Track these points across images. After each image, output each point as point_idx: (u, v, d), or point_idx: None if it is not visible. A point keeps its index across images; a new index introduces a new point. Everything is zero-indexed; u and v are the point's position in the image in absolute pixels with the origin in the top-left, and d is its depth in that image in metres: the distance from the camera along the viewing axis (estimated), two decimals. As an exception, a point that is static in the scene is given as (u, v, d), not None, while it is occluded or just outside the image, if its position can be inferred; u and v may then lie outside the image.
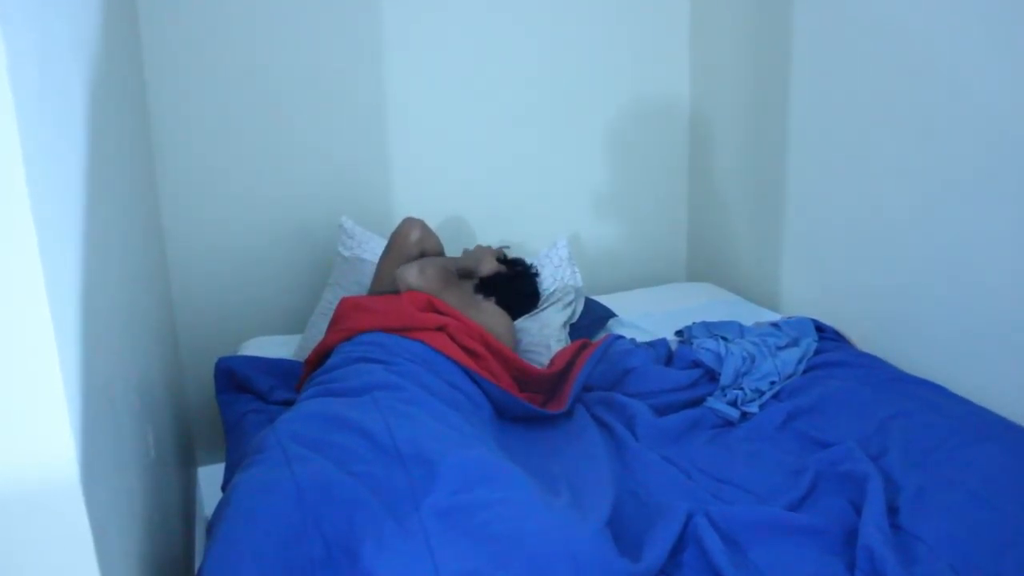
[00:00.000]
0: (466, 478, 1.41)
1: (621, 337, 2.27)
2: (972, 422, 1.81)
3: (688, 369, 2.09)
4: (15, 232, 0.82)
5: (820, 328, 2.31)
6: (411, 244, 2.30)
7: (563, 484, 1.56)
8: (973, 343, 1.99)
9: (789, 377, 2.07)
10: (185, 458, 2.32)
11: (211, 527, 1.36)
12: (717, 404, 1.97)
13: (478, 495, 1.38)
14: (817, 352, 2.19)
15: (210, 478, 2.51)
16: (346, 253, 2.51)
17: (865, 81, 2.19)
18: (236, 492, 1.36)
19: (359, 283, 2.43)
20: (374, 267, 2.42)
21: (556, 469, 1.68)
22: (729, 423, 1.94)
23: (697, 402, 2.01)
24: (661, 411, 1.96)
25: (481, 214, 2.79)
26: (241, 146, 2.50)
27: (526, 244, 2.79)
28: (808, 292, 2.47)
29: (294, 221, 2.59)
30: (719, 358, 2.08)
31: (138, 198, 1.89)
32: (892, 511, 1.53)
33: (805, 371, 2.11)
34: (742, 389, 2.01)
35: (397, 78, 2.59)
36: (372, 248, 2.51)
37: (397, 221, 2.62)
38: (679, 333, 2.35)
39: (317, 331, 2.29)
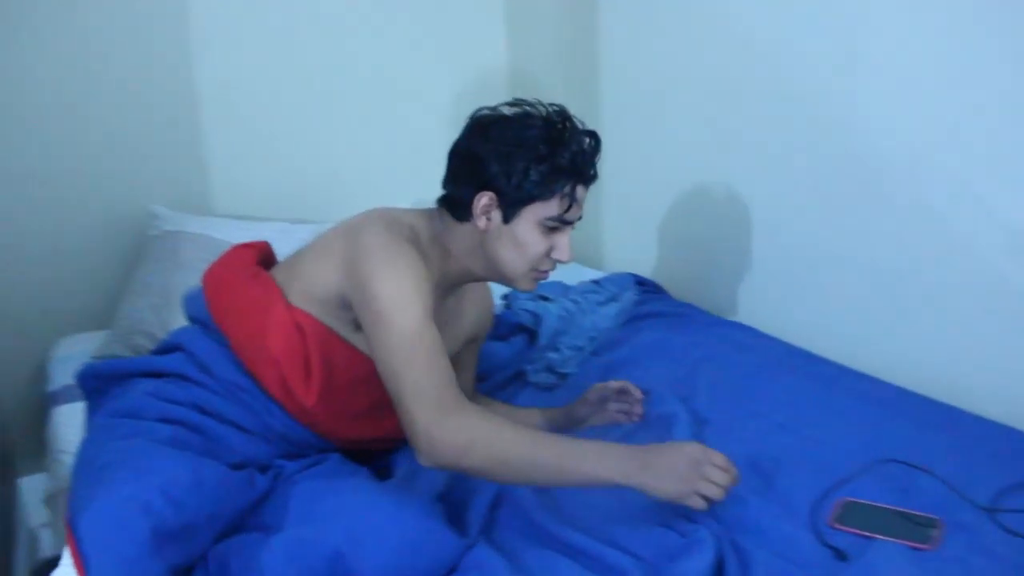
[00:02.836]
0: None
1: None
2: (777, 358, 1.91)
3: (512, 335, 2.09)
4: None
5: (641, 282, 2.35)
6: None
7: (403, 461, 1.53)
8: (778, 287, 2.11)
9: (608, 331, 2.10)
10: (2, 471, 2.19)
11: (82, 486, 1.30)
12: (535, 378, 1.95)
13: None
14: (637, 305, 2.24)
15: (33, 489, 2.38)
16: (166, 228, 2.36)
17: (676, 44, 2.27)
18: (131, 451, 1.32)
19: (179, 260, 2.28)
20: (201, 240, 2.30)
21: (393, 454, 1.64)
22: (550, 388, 1.93)
23: (522, 375, 1.98)
24: (490, 392, 1.91)
25: (311, 188, 2.71)
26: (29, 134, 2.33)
27: (362, 207, 2.71)
28: (629, 249, 2.54)
29: (100, 211, 2.46)
30: (537, 318, 2.10)
31: None
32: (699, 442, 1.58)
33: (624, 324, 2.15)
34: (558, 350, 2.01)
35: (206, 53, 2.49)
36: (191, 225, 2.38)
37: (218, 203, 2.55)
38: (504, 297, 2.38)
39: (136, 315, 2.18)
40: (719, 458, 1.28)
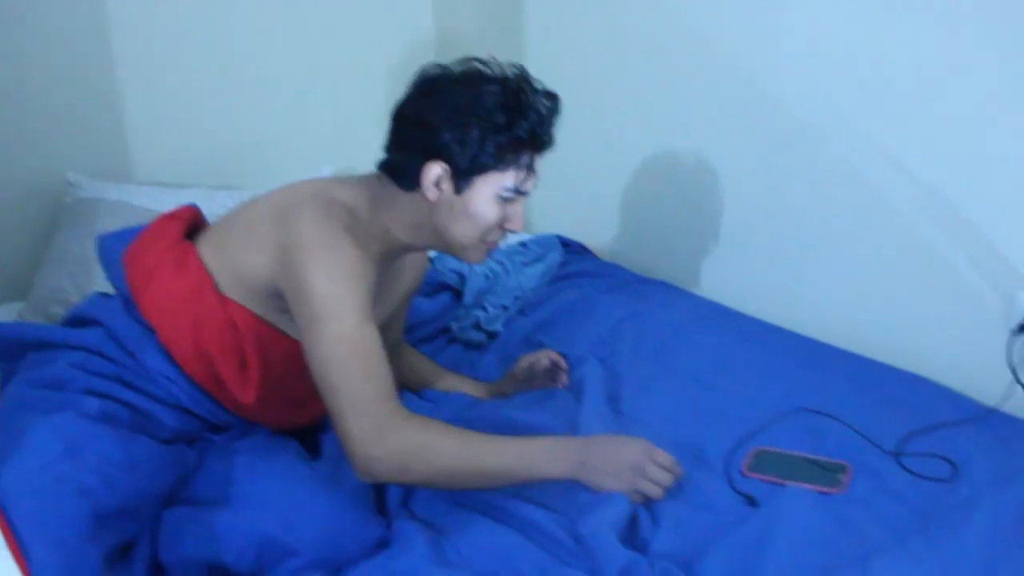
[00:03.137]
0: None
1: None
2: (699, 315, 1.94)
3: (436, 293, 2.08)
4: None
5: (566, 243, 2.36)
6: None
7: (330, 446, 1.48)
8: (700, 246, 2.13)
9: (533, 290, 2.11)
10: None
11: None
12: (463, 334, 1.95)
13: None
14: (562, 265, 2.26)
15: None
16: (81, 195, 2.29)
17: (603, 7, 2.27)
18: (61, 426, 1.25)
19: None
20: (120, 207, 2.22)
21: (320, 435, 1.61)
22: (478, 345, 1.95)
23: (448, 330, 2.00)
24: (415, 345, 1.92)
25: (233, 154, 2.62)
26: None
27: (285, 174, 2.68)
28: (556, 211, 2.55)
29: (14, 179, 2.34)
30: (462, 278, 2.11)
31: None
32: (616, 400, 1.60)
33: (549, 284, 2.16)
34: (485, 308, 2.02)
35: (124, 15, 2.41)
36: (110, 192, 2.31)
37: (138, 170, 2.49)
38: (429, 259, 2.37)
39: (54, 284, 2.13)
40: (663, 457, 1.30)
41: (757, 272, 2.02)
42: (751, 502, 1.31)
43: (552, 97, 1.40)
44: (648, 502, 1.29)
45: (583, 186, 2.42)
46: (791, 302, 1.95)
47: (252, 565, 1.23)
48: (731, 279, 2.08)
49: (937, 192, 1.63)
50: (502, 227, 1.42)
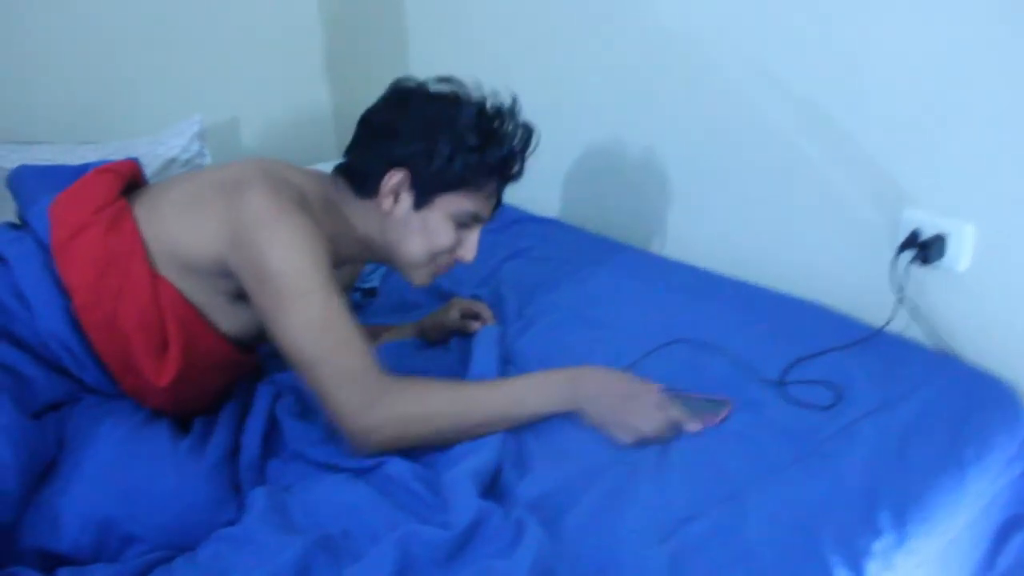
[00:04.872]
0: None
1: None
2: (584, 250, 1.85)
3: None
4: None
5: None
6: None
7: (198, 423, 1.36)
8: (588, 180, 2.04)
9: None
10: None
11: None
12: None
13: None
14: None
15: None
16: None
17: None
18: None
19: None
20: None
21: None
22: (355, 307, 1.79)
23: None
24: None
25: (94, 107, 2.46)
26: None
27: (153, 124, 2.51)
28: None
29: None
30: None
31: None
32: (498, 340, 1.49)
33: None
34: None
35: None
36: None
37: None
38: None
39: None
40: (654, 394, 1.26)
41: (645, 204, 1.93)
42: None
43: (528, 130, 1.35)
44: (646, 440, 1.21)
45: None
46: (680, 232, 1.87)
47: (89, 553, 1.12)
48: (619, 213, 2.00)
49: (818, 109, 1.55)
50: (454, 253, 1.35)
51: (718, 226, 1.80)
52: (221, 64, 2.58)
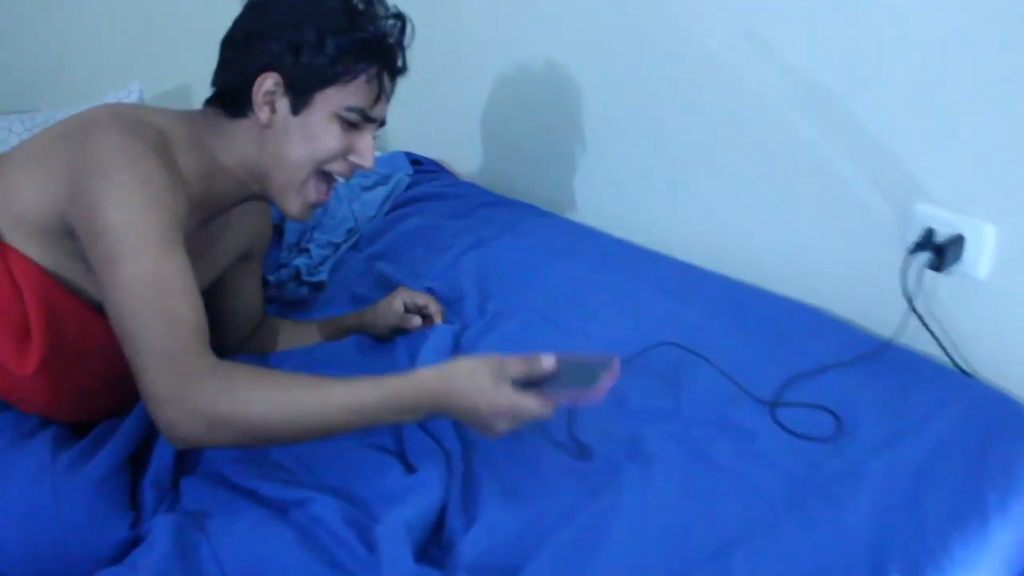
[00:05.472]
0: None
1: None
2: (558, 240, 1.66)
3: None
4: None
5: (417, 161, 2.06)
6: None
7: (98, 430, 1.19)
8: (569, 163, 1.85)
9: (371, 219, 1.81)
10: None
11: None
12: (280, 292, 1.61)
13: None
14: (411, 187, 1.95)
15: None
16: None
17: None
18: None
19: None
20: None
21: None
22: (301, 302, 1.61)
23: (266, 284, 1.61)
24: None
25: (26, 68, 2.28)
26: None
27: (89, 93, 2.32)
28: (407, 126, 2.25)
29: None
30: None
31: None
32: (455, 347, 1.35)
33: (392, 210, 1.85)
34: (308, 252, 1.68)
35: None
36: None
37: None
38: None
39: None
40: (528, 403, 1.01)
41: (629, 189, 1.75)
42: (583, 454, 1.09)
43: (401, 18, 1.22)
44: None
45: (436, 98, 2.11)
46: (666, 222, 1.69)
47: None
48: (600, 198, 1.81)
49: (822, 91, 1.36)
50: (347, 158, 1.20)
51: (703, 214, 1.62)
52: (159, 30, 2.38)
